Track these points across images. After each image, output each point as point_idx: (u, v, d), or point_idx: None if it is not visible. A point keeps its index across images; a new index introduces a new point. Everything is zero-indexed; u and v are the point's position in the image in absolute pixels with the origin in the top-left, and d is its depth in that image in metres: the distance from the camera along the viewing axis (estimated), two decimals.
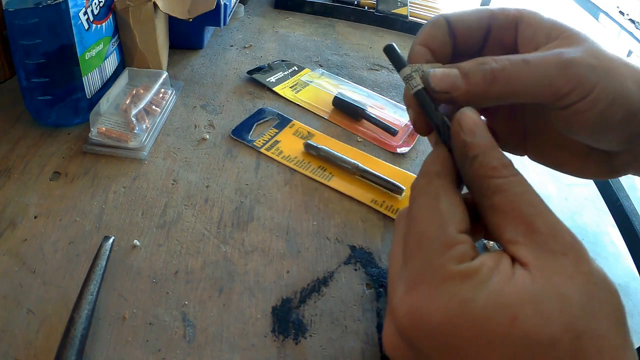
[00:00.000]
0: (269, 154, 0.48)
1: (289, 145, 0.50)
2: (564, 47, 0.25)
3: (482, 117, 0.29)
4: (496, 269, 0.20)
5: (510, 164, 0.23)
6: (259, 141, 0.50)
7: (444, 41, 0.29)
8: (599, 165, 0.29)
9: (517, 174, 0.23)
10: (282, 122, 0.53)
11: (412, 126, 0.31)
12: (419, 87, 0.26)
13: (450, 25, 0.29)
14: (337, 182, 0.46)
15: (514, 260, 0.21)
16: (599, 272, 0.20)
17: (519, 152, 0.32)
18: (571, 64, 0.24)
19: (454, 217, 0.22)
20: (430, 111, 0.26)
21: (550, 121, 0.28)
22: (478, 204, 0.24)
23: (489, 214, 0.23)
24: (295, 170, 0.47)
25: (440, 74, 0.26)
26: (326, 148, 0.48)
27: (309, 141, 0.49)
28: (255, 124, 0.52)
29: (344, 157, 0.47)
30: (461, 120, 0.24)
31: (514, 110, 0.31)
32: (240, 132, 0.50)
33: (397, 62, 0.28)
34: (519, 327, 0.19)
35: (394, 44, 0.28)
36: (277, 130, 0.52)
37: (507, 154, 0.24)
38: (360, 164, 0.46)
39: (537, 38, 0.27)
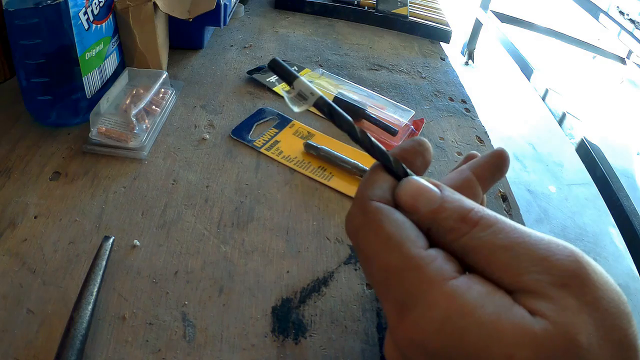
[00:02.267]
0: (269, 154, 0.48)
1: (289, 145, 0.50)
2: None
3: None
4: (491, 297, 0.19)
5: (469, 209, 0.21)
6: (259, 141, 0.50)
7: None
8: None
9: (479, 219, 0.21)
10: (282, 122, 0.53)
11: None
12: (317, 96, 0.24)
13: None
14: (337, 182, 0.46)
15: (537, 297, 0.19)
16: (604, 294, 0.18)
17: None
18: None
19: (406, 236, 0.21)
20: (345, 122, 0.24)
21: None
22: (462, 264, 0.22)
23: (479, 269, 0.20)
24: (295, 170, 0.47)
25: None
26: (326, 148, 0.48)
27: (309, 141, 0.49)
28: (255, 124, 0.52)
29: (344, 157, 0.47)
30: (399, 199, 0.23)
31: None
32: (240, 132, 0.50)
33: (285, 76, 0.24)
34: None
35: (277, 58, 0.25)
36: (277, 130, 0.52)
37: None
38: (360, 164, 0.46)
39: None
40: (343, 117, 0.24)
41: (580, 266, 0.19)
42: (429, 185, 0.23)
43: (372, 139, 0.24)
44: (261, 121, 0.53)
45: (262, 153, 0.48)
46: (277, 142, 0.50)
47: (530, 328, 0.18)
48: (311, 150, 0.48)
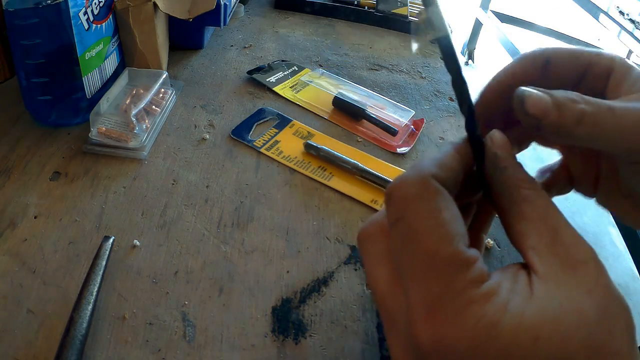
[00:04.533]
0: (269, 154, 0.48)
1: (289, 145, 0.50)
2: None
3: (559, 154, 0.31)
4: (515, 289, 0.20)
5: (537, 182, 0.24)
6: (259, 141, 0.50)
7: (535, 77, 0.28)
8: None
9: (543, 190, 0.23)
10: (282, 122, 0.53)
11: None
12: (444, 34, 0.23)
13: (548, 63, 0.28)
14: (337, 182, 0.46)
15: (529, 271, 0.21)
16: (615, 287, 0.20)
17: (588, 193, 0.32)
18: None
19: (460, 230, 0.21)
20: (455, 70, 0.24)
21: (622, 172, 0.28)
22: (503, 210, 0.24)
23: (515, 221, 0.23)
24: (295, 170, 0.47)
25: (537, 96, 0.24)
26: (326, 148, 0.48)
27: (309, 141, 0.49)
28: (255, 124, 0.52)
29: (344, 157, 0.47)
30: (492, 137, 0.25)
31: (591, 154, 0.31)
32: (240, 132, 0.50)
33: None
34: (540, 348, 0.19)
35: None
36: (277, 130, 0.52)
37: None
38: (360, 164, 0.46)
39: (623, 87, 0.27)
40: (456, 66, 0.24)
41: (596, 256, 0.21)
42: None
43: (469, 95, 0.25)
44: (261, 121, 0.53)
45: (262, 153, 0.48)
46: (277, 142, 0.50)
47: (549, 305, 0.19)
48: (311, 150, 0.48)
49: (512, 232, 0.23)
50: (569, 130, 0.24)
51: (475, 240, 0.29)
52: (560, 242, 0.21)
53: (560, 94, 0.25)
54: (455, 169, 0.24)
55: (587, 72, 0.28)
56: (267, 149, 0.49)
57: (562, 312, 0.19)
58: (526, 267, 0.21)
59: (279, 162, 0.48)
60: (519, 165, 0.24)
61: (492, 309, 0.19)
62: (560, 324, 0.19)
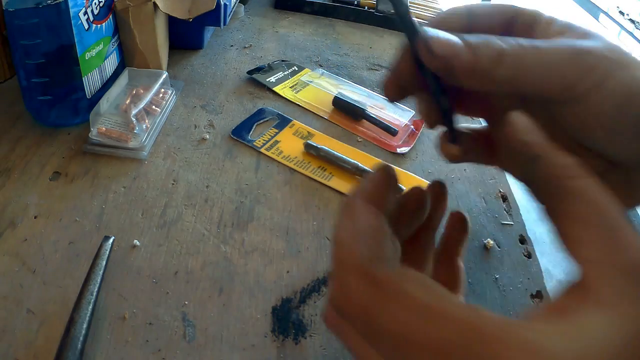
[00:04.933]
0: (269, 154, 0.48)
1: (289, 145, 0.50)
2: (577, 39, 0.23)
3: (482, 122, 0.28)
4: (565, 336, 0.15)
5: (582, 165, 0.19)
6: (259, 141, 0.50)
7: (458, 29, 0.25)
8: (615, 188, 0.22)
9: (593, 175, 0.18)
10: (282, 122, 0.53)
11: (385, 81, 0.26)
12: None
13: (470, 16, 0.26)
14: (337, 182, 0.46)
15: (587, 289, 0.16)
16: None
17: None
18: (584, 52, 0.22)
19: (450, 298, 0.17)
20: (407, 17, 0.22)
21: (558, 125, 0.24)
22: (549, 209, 0.19)
23: (565, 223, 0.18)
24: (295, 170, 0.47)
25: (444, 37, 0.22)
26: (326, 148, 0.48)
27: (309, 141, 0.49)
28: (255, 124, 0.52)
29: (344, 157, 0.47)
30: (512, 119, 0.21)
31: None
32: (240, 132, 0.50)
33: None
34: None
35: None
36: (277, 130, 0.52)
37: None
38: (360, 164, 0.46)
39: (548, 32, 0.25)
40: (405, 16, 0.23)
41: None
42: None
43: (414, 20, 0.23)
44: (261, 121, 0.53)
45: (262, 153, 0.48)
46: (277, 142, 0.50)
47: (609, 343, 0.15)
48: (311, 150, 0.48)
49: (561, 234, 0.18)
50: (487, 72, 0.22)
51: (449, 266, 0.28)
52: (624, 251, 0.16)
53: (473, 36, 0.23)
54: (385, 236, 0.20)
55: (512, 24, 0.26)
56: (267, 149, 0.49)
57: (623, 350, 0.15)
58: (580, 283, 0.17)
59: (279, 162, 0.48)
60: (555, 148, 0.19)
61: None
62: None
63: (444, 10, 0.27)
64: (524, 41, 0.22)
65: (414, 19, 0.23)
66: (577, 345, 0.15)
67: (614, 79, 0.21)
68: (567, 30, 0.24)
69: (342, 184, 0.46)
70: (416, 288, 0.17)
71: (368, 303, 0.17)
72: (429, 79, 0.24)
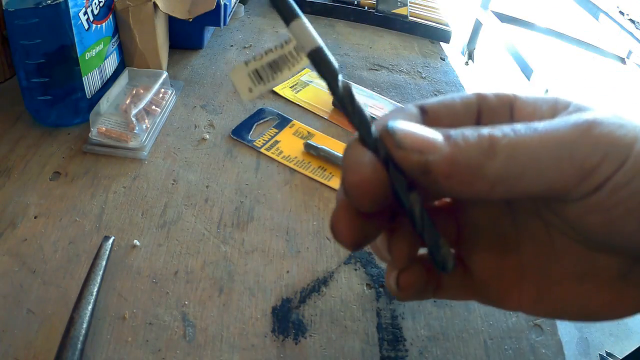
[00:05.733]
0: (269, 154, 0.48)
1: (289, 145, 0.50)
2: (576, 113, 0.18)
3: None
4: None
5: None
6: (259, 141, 0.50)
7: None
8: None
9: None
10: (282, 122, 0.53)
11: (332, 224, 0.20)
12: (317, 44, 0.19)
13: (426, 116, 0.21)
14: (337, 182, 0.46)
15: None
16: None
17: (508, 300, 0.22)
18: (597, 124, 0.17)
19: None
20: (352, 105, 0.19)
21: (567, 228, 0.19)
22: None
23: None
24: (295, 170, 0.47)
25: (414, 127, 0.18)
26: (326, 148, 0.48)
27: (309, 141, 0.49)
28: (255, 124, 0.52)
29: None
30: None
31: (504, 234, 0.22)
32: (240, 132, 0.50)
33: (285, 12, 0.19)
34: None
35: None
36: (277, 130, 0.52)
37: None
38: None
39: (539, 113, 0.20)
40: (330, 68, 0.19)
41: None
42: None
43: (357, 99, 0.19)
44: (261, 121, 0.53)
45: (262, 153, 0.48)
46: (277, 142, 0.50)
47: None
48: (311, 150, 0.48)
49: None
50: (478, 167, 0.17)
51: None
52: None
53: (449, 129, 0.18)
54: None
55: (481, 110, 0.21)
56: (267, 149, 0.49)
57: None
58: None
59: (279, 162, 0.48)
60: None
61: None
62: None
63: (387, 112, 0.21)
64: (518, 126, 0.18)
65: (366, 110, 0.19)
66: None
67: (637, 152, 0.17)
68: (558, 105, 0.20)
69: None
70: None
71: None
72: (394, 180, 0.18)
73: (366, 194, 0.18)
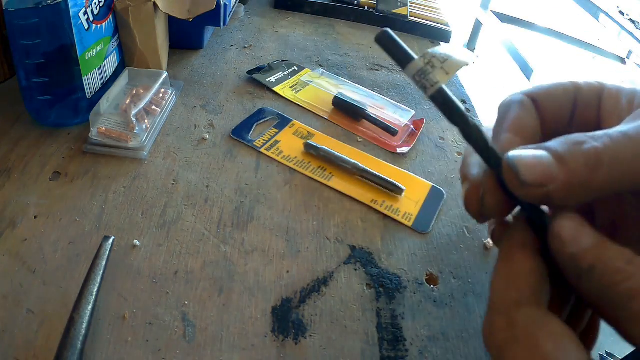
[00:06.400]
0: (269, 154, 0.48)
1: (289, 145, 0.50)
2: None
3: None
4: None
5: (632, 253, 0.18)
6: (259, 141, 0.50)
7: (535, 126, 0.24)
8: None
9: None
10: (282, 122, 0.53)
11: (466, 202, 0.24)
12: (438, 84, 0.20)
13: (537, 105, 0.24)
14: (337, 182, 0.46)
15: None
16: None
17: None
18: None
19: (570, 356, 0.18)
20: (484, 145, 0.21)
21: None
22: (609, 317, 0.19)
23: (631, 326, 0.18)
24: (295, 170, 0.47)
25: (532, 158, 0.20)
26: (326, 148, 0.48)
27: (309, 141, 0.49)
28: (255, 124, 0.52)
29: (344, 157, 0.47)
30: (559, 232, 0.19)
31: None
32: (240, 132, 0.50)
33: (399, 55, 0.20)
34: None
35: (389, 30, 0.21)
36: (277, 130, 0.52)
37: None
38: (360, 164, 0.46)
39: (619, 107, 0.23)
40: (462, 117, 0.21)
41: None
42: (588, 224, 0.20)
43: (490, 141, 0.21)
44: (261, 121, 0.53)
45: (262, 153, 0.48)
46: (277, 142, 0.50)
47: None
48: (311, 150, 0.48)
49: (632, 339, 0.18)
50: (586, 182, 0.19)
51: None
52: None
53: (556, 142, 0.20)
54: (536, 278, 0.20)
55: (577, 101, 0.24)
56: (267, 149, 0.49)
57: None
58: None
59: (279, 162, 0.48)
60: (605, 247, 0.19)
61: None
62: None
63: (508, 106, 0.25)
64: (613, 132, 0.20)
65: (491, 143, 0.21)
66: None
67: None
68: (635, 98, 0.22)
69: (342, 184, 0.46)
70: (547, 339, 0.18)
71: (501, 342, 0.19)
72: (521, 206, 0.22)
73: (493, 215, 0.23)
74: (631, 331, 0.18)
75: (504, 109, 0.25)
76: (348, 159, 0.47)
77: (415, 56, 0.20)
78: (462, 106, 0.21)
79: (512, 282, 0.20)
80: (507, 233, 0.22)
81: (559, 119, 0.25)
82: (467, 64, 0.20)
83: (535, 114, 0.24)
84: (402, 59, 0.20)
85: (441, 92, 0.20)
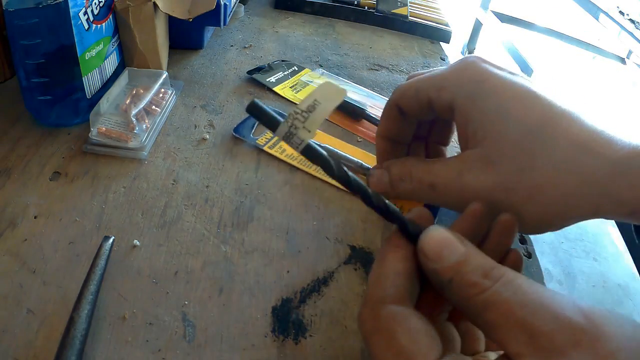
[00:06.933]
0: (272, 152, 0.48)
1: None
2: (475, 166, 0.26)
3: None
4: None
5: (491, 266, 0.21)
6: (262, 139, 0.50)
7: (398, 129, 0.33)
8: None
9: (501, 275, 0.20)
10: None
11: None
12: (305, 141, 0.22)
13: (400, 108, 0.31)
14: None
15: None
16: (622, 345, 0.18)
17: None
18: (475, 198, 0.25)
19: (419, 350, 0.20)
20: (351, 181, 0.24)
21: None
22: (473, 323, 0.22)
23: (488, 332, 0.20)
24: (297, 169, 0.47)
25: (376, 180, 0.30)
26: (329, 147, 0.48)
27: (310, 142, 0.48)
28: (257, 123, 0.52)
29: (348, 155, 0.47)
30: (424, 249, 0.22)
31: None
32: (242, 131, 0.50)
33: (267, 122, 0.23)
34: None
35: (257, 100, 0.23)
36: None
37: None
38: (365, 163, 0.46)
39: (466, 135, 0.28)
40: (329, 169, 0.23)
41: (590, 321, 0.18)
42: (454, 236, 0.22)
43: (378, 196, 0.24)
44: None
45: (262, 152, 0.48)
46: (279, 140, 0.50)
47: None
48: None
49: (492, 340, 0.21)
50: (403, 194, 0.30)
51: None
52: (539, 334, 0.18)
53: (395, 166, 0.32)
54: (403, 279, 0.22)
55: (431, 108, 0.30)
56: (269, 147, 0.49)
57: None
58: None
59: (281, 160, 0.47)
60: (465, 263, 0.21)
61: None
62: None
63: (382, 116, 0.34)
64: (424, 178, 0.29)
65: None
66: None
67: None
68: (478, 131, 0.27)
69: None
70: (404, 334, 0.20)
71: (366, 333, 0.22)
72: (390, 221, 0.25)
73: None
74: (489, 336, 0.20)
75: (381, 118, 0.33)
76: (352, 157, 0.47)
77: (281, 120, 0.22)
78: (330, 159, 0.23)
79: (380, 281, 0.22)
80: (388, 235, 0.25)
81: (421, 113, 0.31)
82: (332, 109, 0.22)
83: (399, 117, 0.32)
84: (270, 125, 0.22)
85: (308, 148, 0.22)
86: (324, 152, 0.23)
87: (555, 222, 0.25)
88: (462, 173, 0.26)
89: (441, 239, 0.22)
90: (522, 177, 0.25)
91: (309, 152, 0.23)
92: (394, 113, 0.32)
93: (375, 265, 0.24)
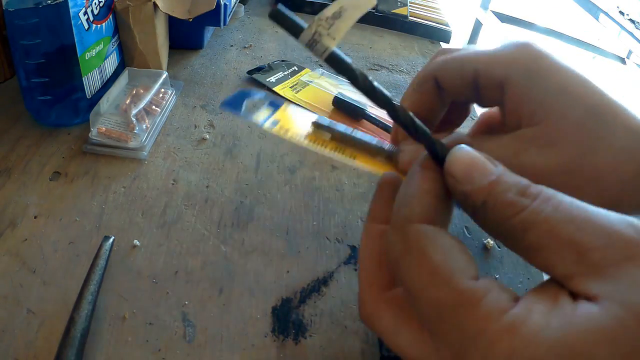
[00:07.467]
0: (273, 131, 0.37)
1: (290, 124, 0.40)
2: (534, 145, 0.24)
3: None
4: (554, 310, 0.16)
5: (527, 184, 0.19)
6: (259, 115, 0.40)
7: (433, 105, 0.29)
8: None
9: (539, 192, 0.18)
10: (275, 103, 0.46)
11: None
12: (330, 49, 0.21)
13: (438, 84, 0.28)
14: (363, 163, 0.36)
15: (576, 295, 0.17)
16: None
17: None
18: (532, 178, 0.21)
19: (456, 266, 0.19)
20: (385, 99, 0.22)
21: None
22: (510, 247, 0.19)
23: (530, 257, 0.18)
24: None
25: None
26: (343, 126, 0.39)
27: (318, 119, 0.38)
28: (246, 100, 0.46)
29: (363, 137, 0.36)
30: (452, 170, 0.20)
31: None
32: (230, 106, 0.41)
33: (291, 28, 0.21)
34: None
35: (281, 6, 0.21)
36: (272, 109, 0.45)
37: None
38: (386, 144, 0.36)
39: (520, 113, 0.25)
40: (351, 72, 0.22)
41: None
42: (484, 156, 0.20)
43: (410, 114, 0.22)
44: (252, 98, 0.48)
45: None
46: (277, 121, 0.44)
47: (599, 327, 0.15)
48: (323, 130, 0.37)
49: (536, 265, 0.19)
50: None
51: None
52: (589, 250, 0.17)
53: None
54: (432, 198, 0.21)
55: (478, 84, 0.27)
56: (269, 126, 0.39)
57: (618, 332, 0.15)
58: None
59: (287, 141, 0.45)
60: (499, 182, 0.19)
61: (521, 342, 0.16)
62: (617, 348, 0.15)
63: (413, 87, 0.29)
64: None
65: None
66: (561, 326, 0.16)
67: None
68: (537, 112, 0.25)
69: (368, 163, 0.36)
70: (437, 251, 0.19)
71: (397, 255, 0.20)
72: (418, 141, 0.23)
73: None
74: (532, 261, 0.18)
75: (409, 89, 0.30)
76: (369, 137, 0.36)
77: (305, 26, 0.21)
78: (352, 63, 0.22)
79: (408, 200, 0.21)
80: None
81: (461, 90, 0.28)
82: (358, 16, 0.21)
83: (433, 92, 0.28)
84: (293, 31, 0.21)
85: (332, 56, 0.21)
86: (349, 60, 0.22)
87: (610, 208, 0.22)
88: (519, 152, 0.24)
89: (470, 159, 0.20)
90: (584, 160, 0.23)
91: (333, 60, 0.21)
92: (429, 86, 0.28)
93: (402, 187, 0.22)
